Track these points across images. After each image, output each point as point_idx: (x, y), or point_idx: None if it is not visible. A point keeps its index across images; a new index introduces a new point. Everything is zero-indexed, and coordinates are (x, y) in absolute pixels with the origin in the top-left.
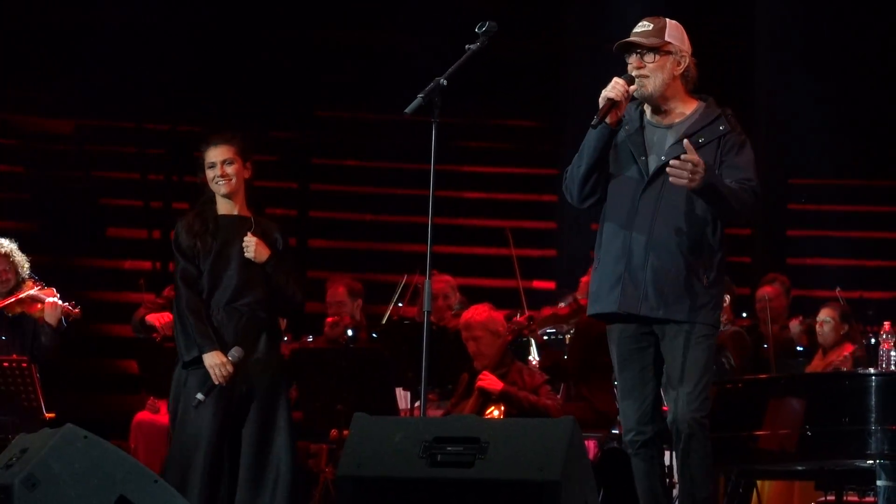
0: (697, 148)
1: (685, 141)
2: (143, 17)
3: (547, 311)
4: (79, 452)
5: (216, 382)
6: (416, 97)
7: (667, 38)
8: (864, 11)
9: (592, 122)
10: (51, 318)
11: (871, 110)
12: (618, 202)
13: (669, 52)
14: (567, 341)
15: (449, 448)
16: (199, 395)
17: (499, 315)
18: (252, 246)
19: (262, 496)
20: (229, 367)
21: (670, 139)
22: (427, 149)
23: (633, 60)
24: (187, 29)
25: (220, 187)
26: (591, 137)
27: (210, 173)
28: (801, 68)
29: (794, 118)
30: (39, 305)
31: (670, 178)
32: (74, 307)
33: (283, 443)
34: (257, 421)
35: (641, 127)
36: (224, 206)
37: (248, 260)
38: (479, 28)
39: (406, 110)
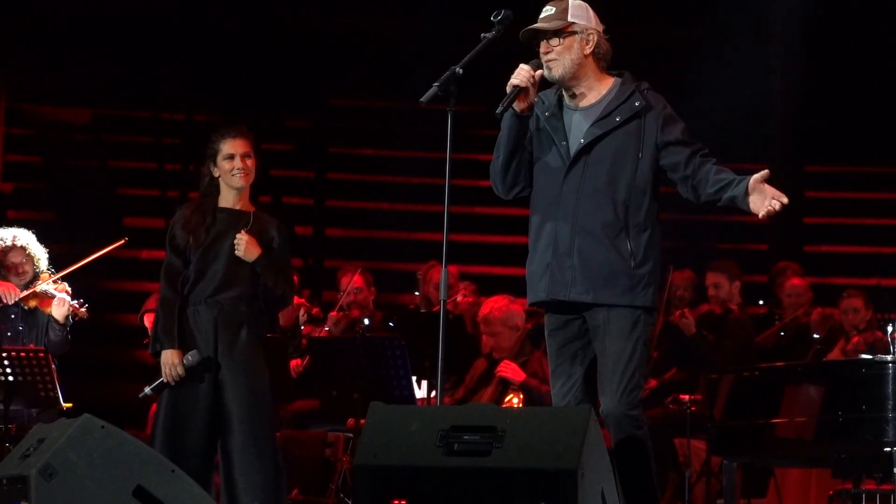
0: (615, 126)
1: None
2: (158, 7)
3: None
4: (96, 442)
5: (165, 381)
6: (431, 86)
7: (570, 19)
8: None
9: (497, 111)
10: (57, 313)
11: (886, 97)
12: (542, 189)
13: (574, 32)
14: None
15: (466, 437)
16: (147, 389)
17: (517, 307)
18: (243, 244)
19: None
20: (180, 370)
21: (588, 121)
22: (443, 137)
23: (542, 46)
24: (202, 19)
25: (236, 180)
26: (504, 126)
27: (227, 164)
28: (816, 57)
29: (810, 106)
30: (50, 301)
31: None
32: (81, 306)
33: (263, 437)
34: (237, 417)
35: (560, 111)
36: (227, 199)
37: (238, 257)
38: (495, 17)
39: (422, 99)
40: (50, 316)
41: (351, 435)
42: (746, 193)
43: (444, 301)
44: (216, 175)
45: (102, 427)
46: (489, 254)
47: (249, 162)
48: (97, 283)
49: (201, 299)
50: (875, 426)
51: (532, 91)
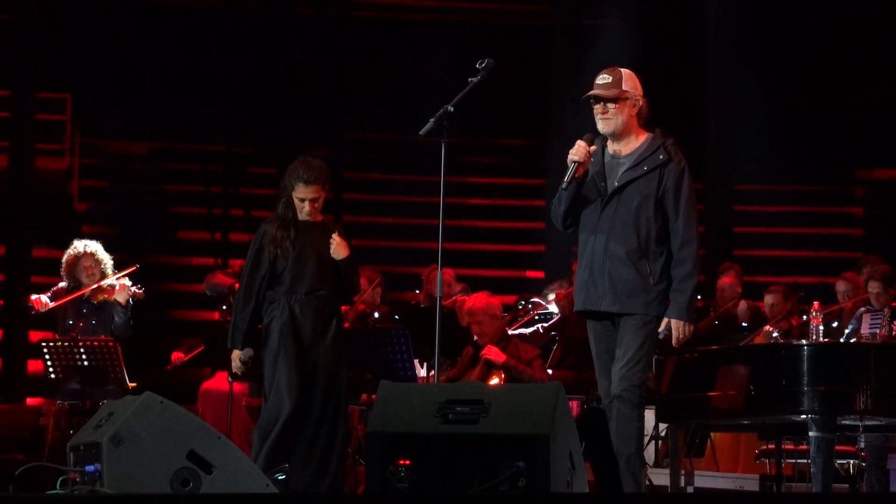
0: (643, 174)
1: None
2: (204, 59)
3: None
4: (156, 415)
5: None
6: (428, 121)
7: (623, 88)
8: (806, 26)
9: (562, 186)
10: (120, 297)
11: (806, 127)
12: (586, 220)
13: (626, 99)
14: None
15: (458, 408)
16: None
17: (495, 300)
18: (335, 245)
19: (316, 449)
20: (236, 363)
21: (623, 167)
22: (437, 163)
23: (598, 108)
24: (239, 68)
25: (305, 216)
26: (562, 189)
27: (299, 204)
28: (747, 89)
29: (740, 133)
30: (113, 290)
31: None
32: (140, 289)
33: (340, 400)
34: (323, 390)
35: (603, 158)
36: (301, 215)
37: (323, 258)
38: (480, 64)
39: (420, 132)
40: (115, 302)
41: (364, 408)
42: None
43: (440, 297)
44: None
45: (161, 402)
46: (477, 259)
47: (317, 205)
48: (157, 286)
49: (301, 296)
50: (793, 398)
51: (587, 162)
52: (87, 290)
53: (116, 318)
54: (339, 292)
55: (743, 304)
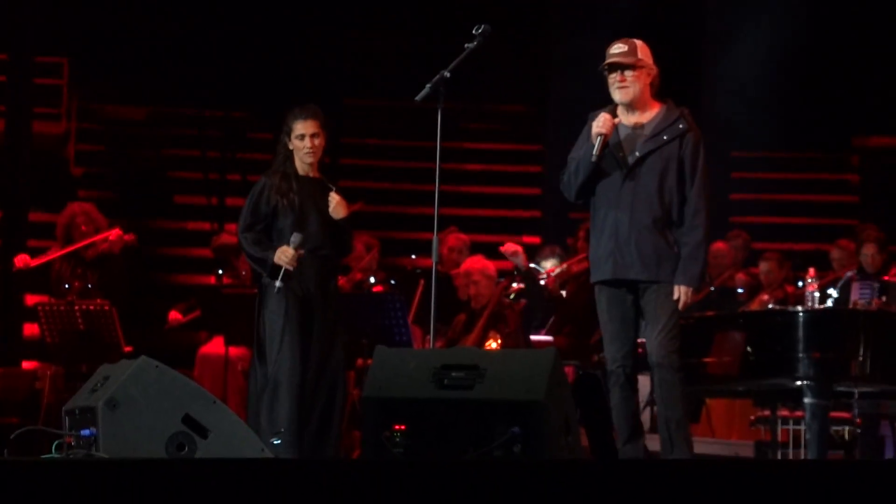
0: (664, 144)
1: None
2: (202, 23)
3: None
4: (151, 379)
5: (287, 267)
6: (424, 87)
7: (639, 56)
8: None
9: (592, 158)
10: (114, 246)
11: (802, 94)
12: (605, 192)
13: (643, 67)
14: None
15: (453, 374)
16: (278, 283)
17: (490, 263)
18: (334, 204)
19: (314, 414)
20: (290, 252)
21: (640, 137)
22: (434, 129)
23: (615, 76)
24: (239, 33)
25: (307, 156)
26: (587, 161)
27: (299, 143)
28: (744, 55)
29: (737, 100)
30: (107, 242)
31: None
32: (129, 235)
33: (339, 360)
34: (323, 353)
35: (619, 131)
36: (302, 169)
37: (324, 215)
38: (476, 30)
39: (416, 97)
40: (108, 251)
41: (359, 373)
42: None
43: (435, 263)
44: (290, 149)
45: (156, 367)
46: (473, 225)
47: (318, 141)
48: (153, 251)
49: (303, 254)
50: (788, 365)
51: (611, 133)
52: (80, 245)
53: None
54: (337, 252)
55: (740, 275)
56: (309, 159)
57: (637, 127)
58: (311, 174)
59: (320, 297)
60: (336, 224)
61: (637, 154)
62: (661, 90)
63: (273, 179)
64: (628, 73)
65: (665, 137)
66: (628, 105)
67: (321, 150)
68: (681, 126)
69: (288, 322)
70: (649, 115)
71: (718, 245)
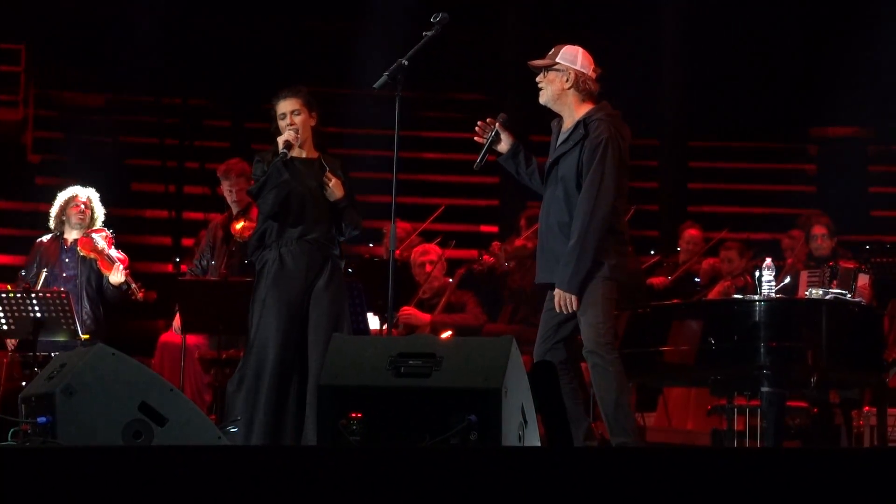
0: (568, 150)
1: None
2: (161, 12)
3: (518, 242)
4: (108, 367)
5: (291, 140)
6: (382, 75)
7: (557, 60)
8: None
9: (475, 166)
10: (114, 279)
11: (760, 84)
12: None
13: (558, 70)
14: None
15: (410, 362)
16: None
17: (436, 247)
18: (330, 185)
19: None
20: (291, 132)
21: (559, 143)
22: (392, 117)
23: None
24: (196, 20)
25: (290, 134)
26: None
27: (282, 123)
28: (703, 46)
29: (695, 90)
30: (110, 268)
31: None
32: (140, 289)
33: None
34: (321, 340)
35: (556, 134)
36: (294, 150)
37: (318, 197)
38: (434, 18)
39: (374, 86)
40: (107, 277)
41: None
42: None
43: (393, 251)
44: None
45: (113, 354)
46: (431, 213)
47: (298, 119)
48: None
49: (292, 240)
50: (745, 354)
51: (504, 135)
52: (95, 233)
53: (108, 294)
54: (335, 235)
55: (706, 263)
56: (292, 136)
57: (562, 132)
58: (304, 154)
59: (312, 284)
60: (335, 205)
61: (549, 161)
62: (616, 80)
63: (266, 155)
64: (540, 77)
65: (570, 144)
66: (550, 106)
67: (307, 127)
68: (581, 131)
69: (270, 311)
70: (572, 120)
71: (692, 232)
